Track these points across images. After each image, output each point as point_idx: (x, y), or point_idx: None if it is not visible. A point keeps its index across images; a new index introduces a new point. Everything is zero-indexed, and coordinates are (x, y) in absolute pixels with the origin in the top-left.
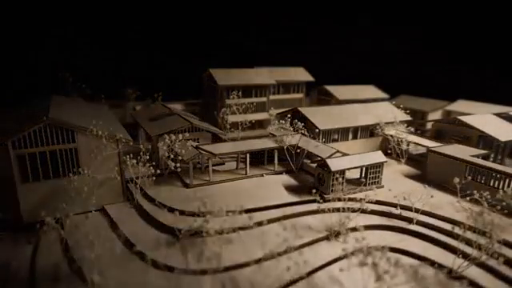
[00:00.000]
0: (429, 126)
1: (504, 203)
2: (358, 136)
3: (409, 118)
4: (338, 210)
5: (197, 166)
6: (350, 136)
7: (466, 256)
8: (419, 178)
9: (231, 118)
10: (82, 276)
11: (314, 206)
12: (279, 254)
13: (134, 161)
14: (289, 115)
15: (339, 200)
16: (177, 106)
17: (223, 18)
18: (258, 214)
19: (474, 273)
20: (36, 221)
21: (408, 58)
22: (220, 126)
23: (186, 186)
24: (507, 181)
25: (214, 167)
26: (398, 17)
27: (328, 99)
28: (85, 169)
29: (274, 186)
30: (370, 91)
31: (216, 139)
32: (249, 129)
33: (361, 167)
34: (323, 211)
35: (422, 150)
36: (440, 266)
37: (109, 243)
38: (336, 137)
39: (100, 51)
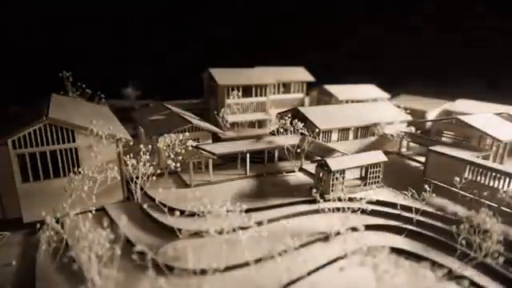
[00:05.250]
0: (429, 125)
1: (504, 202)
2: (358, 136)
3: (409, 117)
4: (338, 209)
5: (197, 165)
6: (350, 136)
7: (466, 256)
8: (419, 178)
9: (231, 118)
10: (82, 276)
11: (314, 206)
12: (279, 254)
13: (134, 161)
14: (289, 115)
15: (339, 200)
16: (177, 106)
17: (223, 18)
18: (258, 214)
19: (474, 273)
20: (36, 221)
21: (408, 58)
22: (220, 126)
23: (187, 185)
24: (507, 180)
25: (213, 167)
26: (397, 16)
27: (328, 99)
28: (85, 168)
29: (274, 186)
30: (370, 91)
31: (216, 139)
32: (249, 128)
33: (361, 167)
34: (323, 211)
35: (422, 150)
36: (440, 266)
37: (109, 243)
38: (336, 136)
39: (100, 51)
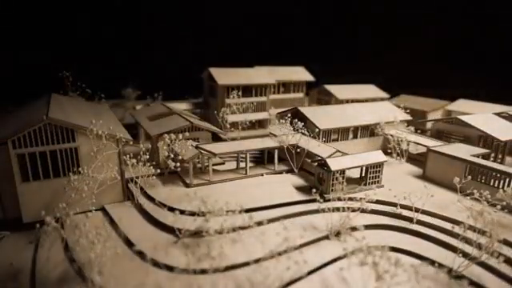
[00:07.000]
0: (429, 125)
1: (504, 202)
2: (358, 136)
3: (409, 117)
4: (338, 209)
5: (197, 165)
6: (350, 136)
7: (465, 255)
8: (419, 178)
9: (231, 118)
10: (82, 276)
11: (314, 206)
12: (279, 254)
13: (134, 160)
14: (289, 115)
15: (339, 199)
16: (177, 106)
17: (223, 18)
18: (258, 214)
19: (474, 272)
20: (36, 220)
21: (408, 57)
22: (220, 126)
23: (187, 185)
24: (507, 180)
25: (213, 167)
26: (397, 15)
27: (328, 99)
28: (85, 168)
29: (273, 186)
30: (370, 91)
31: (216, 139)
32: (249, 128)
33: (361, 167)
34: (323, 211)
35: (422, 150)
36: (440, 266)
37: (109, 243)
38: (336, 136)
39: (100, 51)
